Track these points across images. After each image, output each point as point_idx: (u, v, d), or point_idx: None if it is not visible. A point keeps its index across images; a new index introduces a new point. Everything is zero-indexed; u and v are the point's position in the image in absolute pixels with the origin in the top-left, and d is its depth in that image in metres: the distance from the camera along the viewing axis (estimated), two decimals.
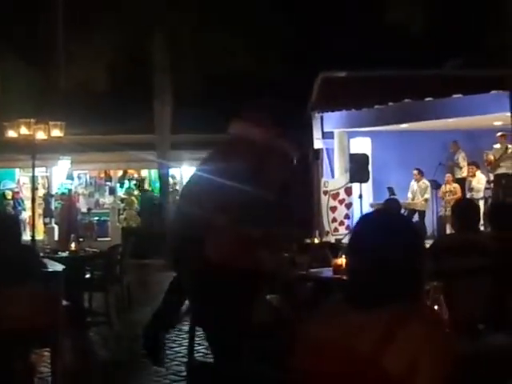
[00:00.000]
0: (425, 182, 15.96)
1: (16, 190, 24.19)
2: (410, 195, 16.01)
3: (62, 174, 23.79)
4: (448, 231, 14.48)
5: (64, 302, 5.73)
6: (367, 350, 1.97)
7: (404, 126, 15.86)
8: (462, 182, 15.81)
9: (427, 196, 15.88)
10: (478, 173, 15.54)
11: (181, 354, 6.46)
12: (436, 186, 15.82)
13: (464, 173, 15.97)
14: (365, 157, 15.51)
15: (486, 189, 15.37)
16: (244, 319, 3.44)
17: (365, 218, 2.34)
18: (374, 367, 1.95)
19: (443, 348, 1.95)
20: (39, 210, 22.56)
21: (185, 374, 4.40)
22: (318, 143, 18.15)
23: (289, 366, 2.21)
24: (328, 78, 17.41)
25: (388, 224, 2.18)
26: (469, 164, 15.83)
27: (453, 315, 3.55)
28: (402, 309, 2.03)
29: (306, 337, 2.19)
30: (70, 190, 22.97)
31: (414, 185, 16.12)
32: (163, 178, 21.88)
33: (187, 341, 3.80)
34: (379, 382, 1.95)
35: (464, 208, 5.41)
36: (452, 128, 15.86)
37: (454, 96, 14.50)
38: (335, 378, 2.01)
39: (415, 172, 15.98)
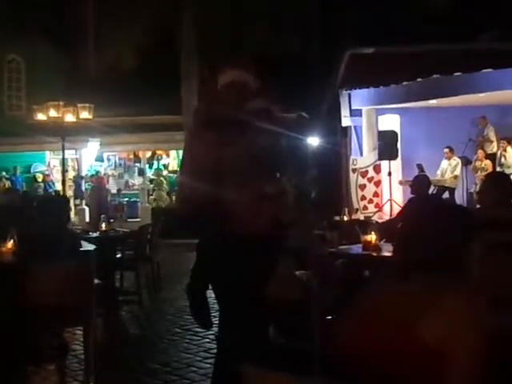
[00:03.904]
0: (455, 159, 15.75)
1: (46, 172, 24.44)
2: (438, 172, 15.84)
3: (92, 156, 23.97)
4: None
5: (96, 281, 5.79)
6: (409, 322, 1.98)
7: (433, 101, 15.69)
8: (492, 157, 15.62)
9: (457, 173, 15.68)
10: (509, 148, 15.34)
11: (211, 332, 6.49)
12: (466, 162, 15.64)
13: (495, 148, 15.77)
14: (393, 134, 15.39)
15: None
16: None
17: (423, 200, 2.45)
18: (413, 336, 1.96)
19: (478, 326, 1.95)
20: (70, 192, 22.80)
21: (215, 351, 4.44)
22: (345, 121, 18.04)
23: (332, 340, 2.21)
24: (355, 54, 17.28)
25: (446, 206, 2.26)
26: (500, 139, 15.64)
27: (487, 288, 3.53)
28: (443, 282, 2.04)
29: (357, 313, 2.20)
30: (99, 172, 23.15)
31: (444, 162, 15.93)
32: None
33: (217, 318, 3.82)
34: (419, 352, 1.95)
35: (497, 182, 5.25)
36: (482, 103, 15.65)
37: (484, 70, 14.31)
38: (385, 352, 2.01)
39: (446, 150, 15.76)
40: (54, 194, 21.09)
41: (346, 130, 18.82)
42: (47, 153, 24.44)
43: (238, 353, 3.29)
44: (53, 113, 16.10)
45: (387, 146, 15.15)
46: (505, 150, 15.38)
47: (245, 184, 3.45)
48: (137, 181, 25.19)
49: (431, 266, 2.09)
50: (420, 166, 15.46)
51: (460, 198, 15.53)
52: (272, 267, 3.64)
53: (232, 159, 3.46)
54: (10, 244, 5.63)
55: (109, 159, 25.25)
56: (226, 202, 3.45)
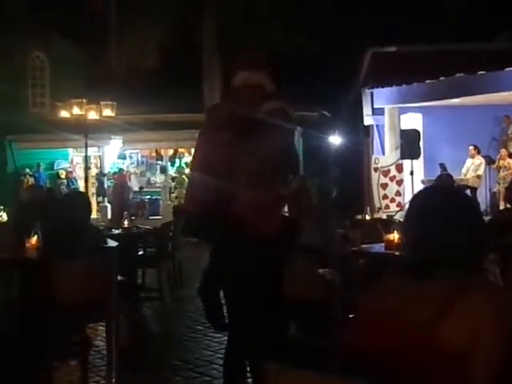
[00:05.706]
0: (479, 159, 15.59)
1: (69, 169, 24.59)
2: (463, 171, 15.70)
3: (114, 154, 24.09)
4: (502, 207, 14.23)
5: (118, 278, 5.83)
6: (426, 321, 1.96)
7: (456, 100, 15.58)
8: None
9: (480, 173, 15.53)
10: None
11: None
12: (490, 161, 15.50)
13: None
14: (416, 133, 15.30)
15: None
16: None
17: (427, 191, 2.33)
18: (433, 338, 1.93)
19: (505, 323, 1.91)
20: (92, 189, 22.94)
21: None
22: (368, 120, 17.99)
23: (344, 339, 2.20)
24: (378, 53, 17.22)
25: (452, 197, 2.18)
26: None
27: (508, 289, 3.51)
28: (461, 280, 2.01)
29: (364, 310, 2.19)
30: (121, 169, 23.26)
31: (468, 161, 15.78)
32: None
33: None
34: (438, 354, 1.93)
35: None
36: (505, 102, 15.52)
37: (508, 69, 14.20)
38: (394, 350, 2.00)
39: (471, 148, 15.59)
40: (74, 191, 21.21)
41: (368, 128, 18.76)
42: (70, 150, 24.59)
43: (252, 351, 3.29)
44: (76, 110, 16.21)
45: (409, 144, 15.06)
46: None
47: (258, 185, 3.44)
48: (159, 178, 25.28)
49: (442, 263, 2.05)
50: (443, 166, 15.36)
51: (483, 198, 15.40)
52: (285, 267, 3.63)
53: (246, 160, 3.45)
54: (34, 240, 5.69)
55: (131, 157, 25.36)
56: (238, 203, 3.43)
